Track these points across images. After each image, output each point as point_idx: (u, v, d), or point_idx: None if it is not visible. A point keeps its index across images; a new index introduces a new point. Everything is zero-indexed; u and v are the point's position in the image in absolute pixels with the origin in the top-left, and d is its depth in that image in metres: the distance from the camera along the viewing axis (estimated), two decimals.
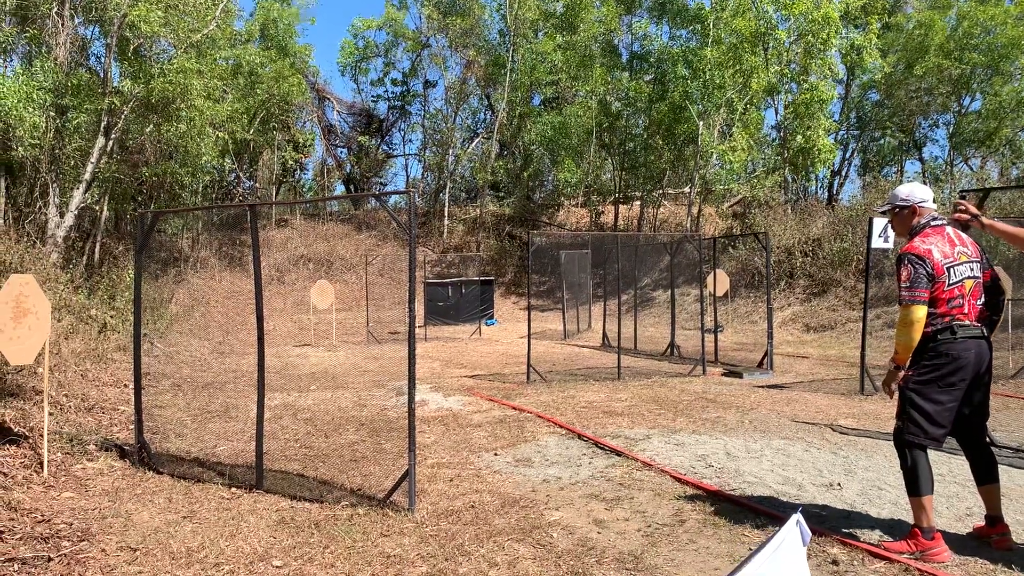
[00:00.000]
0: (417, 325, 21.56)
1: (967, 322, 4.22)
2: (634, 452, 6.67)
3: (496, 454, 6.87)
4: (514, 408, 9.04)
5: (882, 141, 37.45)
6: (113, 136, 19.31)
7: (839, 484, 5.65)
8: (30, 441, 6.64)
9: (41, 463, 6.14)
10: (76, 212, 18.17)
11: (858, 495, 5.40)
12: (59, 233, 17.83)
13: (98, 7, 17.96)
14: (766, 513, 4.95)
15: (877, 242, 9.90)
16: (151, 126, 19.07)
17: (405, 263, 32.37)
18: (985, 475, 4.35)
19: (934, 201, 4.54)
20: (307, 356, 16.42)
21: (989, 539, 4.35)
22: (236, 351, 17.69)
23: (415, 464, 5.38)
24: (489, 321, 24.05)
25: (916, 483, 4.20)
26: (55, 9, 16.65)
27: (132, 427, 8.44)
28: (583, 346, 18.06)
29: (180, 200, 24.06)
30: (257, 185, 38.99)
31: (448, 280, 24.82)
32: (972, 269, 4.29)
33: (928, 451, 4.26)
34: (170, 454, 7.00)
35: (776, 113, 27.20)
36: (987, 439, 4.49)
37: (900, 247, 4.40)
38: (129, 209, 23.34)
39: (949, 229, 4.38)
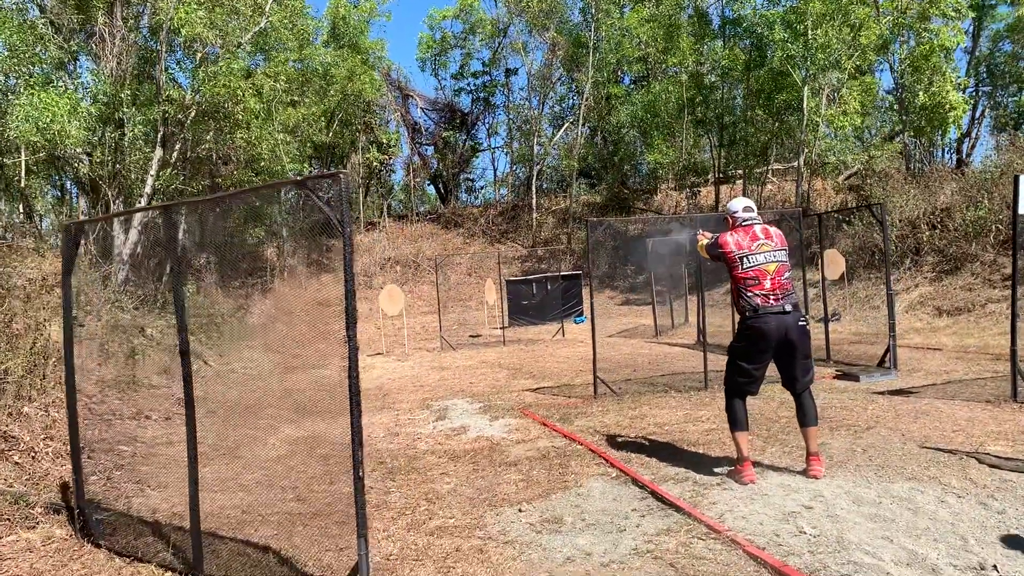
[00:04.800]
0: (500, 327, 20.17)
1: None
2: (699, 508, 4.98)
3: (520, 510, 5.32)
4: (566, 436, 7.45)
5: (1019, 96, 33.49)
6: (176, 147, 18.78)
7: (995, 567, 3.82)
8: None
9: None
10: (140, 228, 17.68)
11: None
12: (124, 251, 17.37)
13: (151, 12, 17.41)
14: None
15: None
16: (210, 133, 18.41)
17: (494, 261, 31.13)
18: None
19: None
20: (372, 367, 15.28)
21: None
22: (308, 363, 16.78)
23: (367, 555, 3.90)
24: (578, 319, 22.41)
25: None
26: (101, 19, 16.11)
27: (118, 473, 7.37)
28: (676, 344, 16.20)
29: (257, 210, 23.51)
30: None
31: (532, 276, 23.31)
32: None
33: None
34: (128, 515, 5.79)
35: (892, 72, 24.30)
36: None
37: None
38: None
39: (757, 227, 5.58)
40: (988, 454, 5.87)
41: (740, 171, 30.50)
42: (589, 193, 37.34)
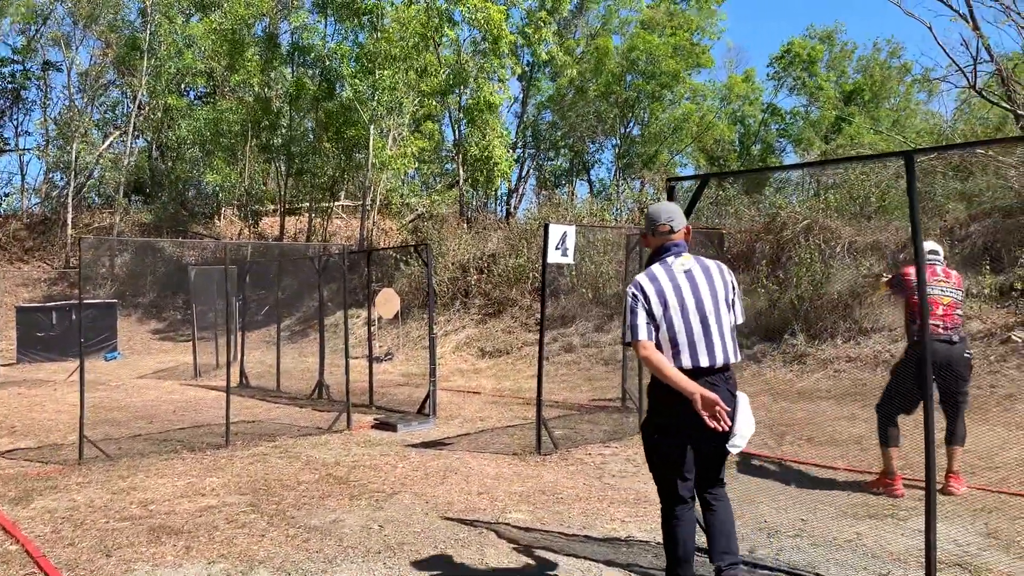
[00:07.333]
0: (5, 363, 16.38)
1: None
2: None
3: None
4: (6, 530, 5.49)
5: (555, 162, 37.99)
6: None
7: None
8: None
9: None
10: None
11: None
12: None
13: None
14: None
15: (554, 255, 7.79)
16: None
17: (13, 283, 26.06)
18: None
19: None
20: None
21: None
22: None
23: None
24: (109, 355, 19.30)
25: None
26: None
27: None
28: (216, 387, 14.46)
29: None
30: None
31: (52, 304, 19.64)
32: None
33: None
34: None
35: (451, 123, 25.58)
36: None
37: None
38: None
39: None
40: (508, 524, 5.40)
41: (308, 203, 29.68)
42: (141, 211, 33.50)
